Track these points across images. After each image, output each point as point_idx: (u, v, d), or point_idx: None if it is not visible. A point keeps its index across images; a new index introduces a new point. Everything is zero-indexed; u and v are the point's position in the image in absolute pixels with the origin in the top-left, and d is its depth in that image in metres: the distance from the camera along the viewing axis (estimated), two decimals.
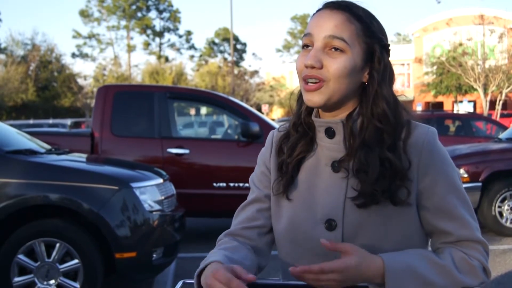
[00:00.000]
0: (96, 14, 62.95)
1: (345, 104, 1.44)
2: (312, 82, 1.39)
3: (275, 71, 53.72)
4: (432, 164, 1.41)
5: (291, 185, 1.49)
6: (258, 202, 1.57)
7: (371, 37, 1.41)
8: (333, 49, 1.38)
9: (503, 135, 9.47)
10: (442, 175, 1.41)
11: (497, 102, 24.53)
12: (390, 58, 1.47)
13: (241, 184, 6.93)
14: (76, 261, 4.45)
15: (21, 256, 4.44)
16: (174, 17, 66.20)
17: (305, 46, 1.43)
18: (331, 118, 1.45)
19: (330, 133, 1.45)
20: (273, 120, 22.98)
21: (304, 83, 1.41)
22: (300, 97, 1.54)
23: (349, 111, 1.45)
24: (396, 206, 1.38)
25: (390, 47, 1.46)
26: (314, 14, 1.44)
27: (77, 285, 4.43)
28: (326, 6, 1.43)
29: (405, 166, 1.39)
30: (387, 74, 1.43)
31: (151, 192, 4.84)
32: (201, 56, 68.14)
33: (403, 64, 40.95)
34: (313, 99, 1.40)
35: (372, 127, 1.40)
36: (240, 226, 1.56)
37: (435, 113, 16.05)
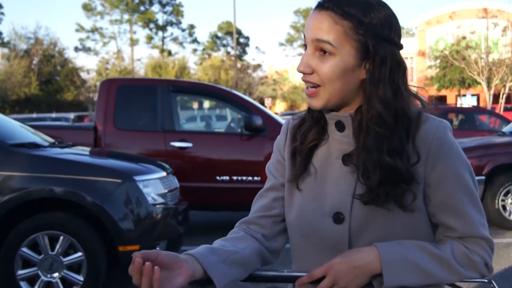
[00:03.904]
0: (99, 8, 62.92)
1: (351, 100, 1.42)
2: (310, 87, 1.40)
3: (278, 65, 53.68)
4: (440, 159, 1.38)
5: (303, 175, 1.49)
6: (275, 190, 1.57)
7: (364, 33, 1.34)
8: (322, 52, 1.37)
9: (506, 128, 9.45)
10: (451, 171, 1.39)
11: (501, 96, 24.50)
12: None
13: (244, 178, 6.93)
14: (79, 254, 4.46)
15: (24, 249, 4.45)
16: (177, 11, 66.09)
17: (305, 45, 1.42)
18: (342, 111, 1.44)
19: (340, 126, 1.44)
20: (276, 113, 22.96)
21: (305, 86, 1.42)
22: None
23: (358, 105, 1.42)
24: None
25: (394, 36, 1.38)
26: (310, 13, 1.42)
27: (80, 278, 4.45)
28: (317, 6, 1.40)
29: (413, 161, 1.37)
30: (386, 69, 1.36)
31: (155, 185, 4.85)
32: (204, 49, 68.04)
33: (406, 58, 40.82)
34: (312, 103, 1.41)
35: (371, 130, 1.37)
36: (256, 215, 1.56)
37: (438, 107, 16.02)
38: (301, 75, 1.42)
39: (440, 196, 1.39)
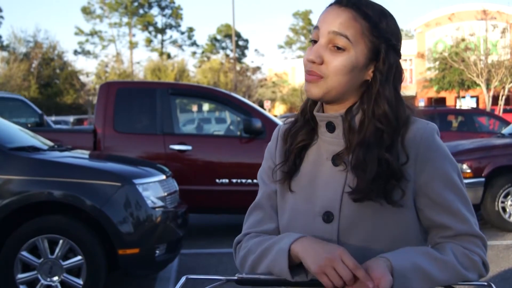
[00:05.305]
0: (98, 11, 63.03)
1: (346, 98, 1.45)
2: (312, 75, 1.42)
3: (277, 67, 53.66)
4: (429, 159, 1.42)
5: (294, 177, 1.51)
6: (269, 198, 1.58)
7: (378, 37, 1.41)
8: (335, 46, 1.39)
9: (506, 130, 9.46)
10: (439, 171, 1.42)
11: (500, 97, 24.51)
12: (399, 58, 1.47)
13: (243, 180, 6.92)
14: (79, 257, 4.45)
15: (24, 253, 4.44)
16: (176, 13, 66.16)
17: (313, 40, 1.45)
18: (333, 111, 1.47)
19: (330, 127, 1.47)
20: (275, 116, 22.97)
21: (306, 74, 1.44)
22: None
23: (350, 105, 1.46)
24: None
25: (399, 47, 1.46)
26: (325, 8, 1.45)
27: (80, 281, 4.44)
28: (336, 1, 1.43)
29: (403, 161, 1.40)
30: (392, 75, 1.43)
31: (154, 189, 4.84)
32: (203, 52, 68.15)
33: (405, 60, 40.87)
34: (311, 90, 1.42)
35: (373, 126, 1.41)
36: (260, 229, 1.55)
37: (437, 109, 16.03)
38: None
39: (432, 196, 1.42)
